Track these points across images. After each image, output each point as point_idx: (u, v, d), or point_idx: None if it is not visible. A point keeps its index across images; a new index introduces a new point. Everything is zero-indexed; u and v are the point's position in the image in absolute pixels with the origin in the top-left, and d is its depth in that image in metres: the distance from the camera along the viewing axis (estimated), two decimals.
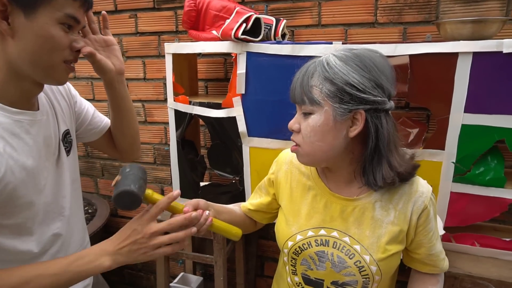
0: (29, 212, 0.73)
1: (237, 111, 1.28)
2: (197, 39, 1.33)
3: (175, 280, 1.65)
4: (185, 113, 1.37)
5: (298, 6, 1.44)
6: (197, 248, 1.76)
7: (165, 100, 1.64)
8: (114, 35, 1.73)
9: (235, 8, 1.26)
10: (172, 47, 1.35)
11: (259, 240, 1.72)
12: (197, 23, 1.34)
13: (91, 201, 1.92)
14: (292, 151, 0.81)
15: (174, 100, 1.38)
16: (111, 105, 0.91)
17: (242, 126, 1.28)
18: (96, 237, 1.68)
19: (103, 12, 0.88)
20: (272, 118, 1.25)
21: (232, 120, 1.29)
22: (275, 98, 1.23)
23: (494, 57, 0.99)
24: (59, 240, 0.82)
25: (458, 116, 1.05)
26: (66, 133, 0.85)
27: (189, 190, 1.47)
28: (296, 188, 0.89)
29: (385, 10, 1.35)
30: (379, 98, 0.72)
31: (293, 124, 0.80)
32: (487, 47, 0.99)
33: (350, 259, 0.79)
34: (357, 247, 0.78)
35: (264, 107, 1.25)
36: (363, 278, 0.79)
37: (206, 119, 1.35)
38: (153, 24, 1.68)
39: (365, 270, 0.78)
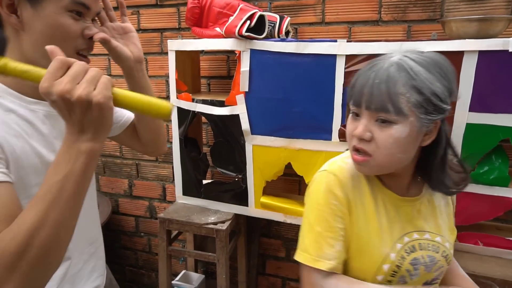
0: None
1: (240, 109, 1.27)
2: (201, 36, 1.32)
3: (177, 278, 1.65)
4: (188, 111, 1.36)
5: (301, 4, 1.43)
6: (199, 246, 1.76)
7: (168, 97, 1.63)
8: None
9: (239, 5, 1.26)
10: (175, 44, 1.34)
11: (261, 238, 1.72)
12: (200, 20, 1.34)
13: None
14: (358, 161, 0.71)
15: (177, 98, 1.38)
16: None
17: (245, 124, 1.28)
18: None
19: None
20: (275, 116, 1.24)
21: (235, 117, 1.29)
22: (278, 96, 1.22)
23: (500, 56, 0.99)
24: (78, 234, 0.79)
25: (463, 115, 1.05)
26: None
27: (191, 188, 1.46)
28: (368, 203, 0.76)
29: (389, 8, 1.34)
30: (449, 106, 0.69)
31: (363, 132, 0.69)
32: (493, 46, 0.99)
33: (437, 253, 0.76)
34: (438, 238, 0.77)
35: (267, 105, 1.24)
36: (447, 265, 0.79)
37: (209, 116, 1.35)
38: (156, 20, 1.67)
39: (448, 256, 0.77)
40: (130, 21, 1.68)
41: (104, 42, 0.74)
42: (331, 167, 0.78)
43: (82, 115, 0.53)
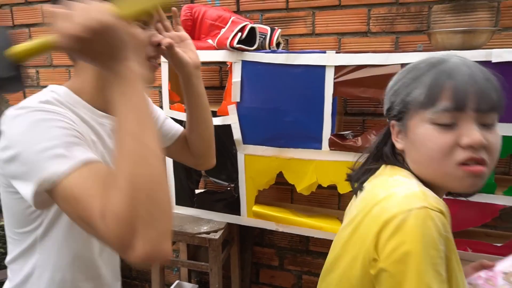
0: None
1: (232, 119, 1.29)
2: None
3: None
4: (181, 121, 1.37)
5: (292, 16, 1.46)
6: (192, 255, 1.76)
7: (161, 108, 1.65)
8: None
9: (230, 18, 1.28)
10: None
11: (254, 247, 1.73)
12: (193, 32, 1.36)
13: None
14: (476, 172, 0.58)
15: (170, 108, 1.39)
16: (188, 103, 0.88)
17: (237, 134, 1.29)
18: None
19: (173, 8, 0.86)
20: (266, 126, 1.26)
21: (227, 127, 1.30)
22: (269, 106, 1.24)
23: (484, 67, 1.01)
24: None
25: None
26: None
27: (184, 198, 1.47)
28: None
29: (377, 20, 1.38)
30: None
31: (481, 138, 0.57)
32: (477, 57, 1.01)
33: None
34: None
35: (259, 115, 1.26)
36: None
37: None
38: None
39: None
40: None
41: (169, 48, 0.76)
42: (429, 201, 0.56)
43: (91, 45, 0.52)
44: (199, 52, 1.29)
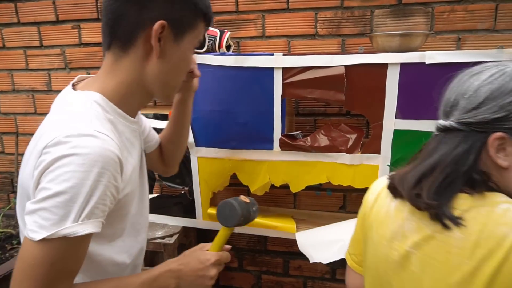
0: (122, 223, 0.73)
1: None
2: None
3: None
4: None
5: (242, 18, 1.48)
6: (149, 262, 1.73)
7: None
8: (56, 46, 1.68)
9: None
10: None
11: None
12: None
13: None
14: None
15: None
16: (176, 120, 0.96)
17: (189, 137, 1.29)
18: None
19: None
20: (218, 128, 1.26)
21: None
22: (221, 108, 1.25)
23: (419, 68, 1.08)
24: (143, 252, 0.84)
25: (390, 122, 1.13)
26: (142, 143, 0.88)
27: None
28: None
29: (324, 23, 1.42)
30: None
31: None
32: (412, 59, 1.08)
33: None
34: None
35: (210, 117, 1.26)
36: None
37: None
38: (98, 35, 1.64)
39: None
40: (71, 35, 1.66)
41: (195, 77, 0.88)
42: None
43: (199, 285, 0.73)
44: None
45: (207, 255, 0.74)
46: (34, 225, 0.56)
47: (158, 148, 1.00)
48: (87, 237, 0.59)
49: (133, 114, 0.74)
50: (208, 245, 0.79)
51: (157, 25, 0.64)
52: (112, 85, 0.68)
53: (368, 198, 0.74)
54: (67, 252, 0.57)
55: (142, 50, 0.67)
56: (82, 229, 0.57)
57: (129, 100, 0.71)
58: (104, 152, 0.58)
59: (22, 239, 0.67)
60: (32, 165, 0.60)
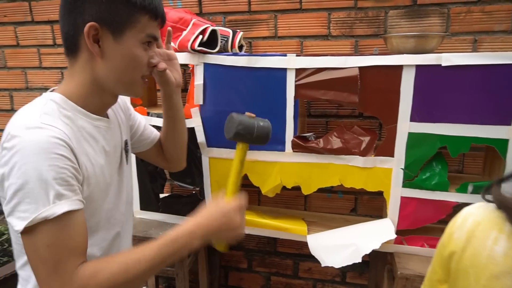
0: (95, 217, 0.76)
1: (195, 122, 1.28)
2: None
3: None
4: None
5: (255, 18, 1.47)
6: None
7: None
8: None
9: (191, 20, 1.27)
10: None
11: None
12: None
13: None
14: None
15: None
16: (166, 115, 0.98)
17: (201, 137, 1.29)
18: None
19: (169, 28, 0.94)
20: None
21: (191, 130, 1.29)
22: (233, 108, 1.22)
23: (435, 70, 1.06)
24: (117, 243, 0.85)
25: (405, 125, 1.12)
26: (126, 143, 0.90)
27: (149, 203, 1.44)
28: None
29: (337, 24, 1.41)
30: None
31: None
32: (428, 60, 1.06)
33: None
34: None
35: (222, 118, 1.24)
36: None
37: None
38: None
39: None
40: None
41: (161, 71, 0.85)
42: None
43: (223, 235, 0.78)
44: None
45: (226, 205, 0.77)
46: (16, 221, 0.62)
47: (157, 145, 1.03)
48: (72, 215, 0.64)
49: (98, 112, 0.77)
50: (221, 197, 0.82)
51: (87, 27, 0.67)
52: (71, 86, 0.73)
53: (455, 235, 0.64)
54: (57, 232, 0.62)
55: (86, 53, 0.71)
56: (58, 209, 0.61)
57: (89, 99, 0.74)
58: (49, 139, 0.63)
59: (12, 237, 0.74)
60: None
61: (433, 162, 1.16)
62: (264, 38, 1.48)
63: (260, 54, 1.22)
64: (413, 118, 1.11)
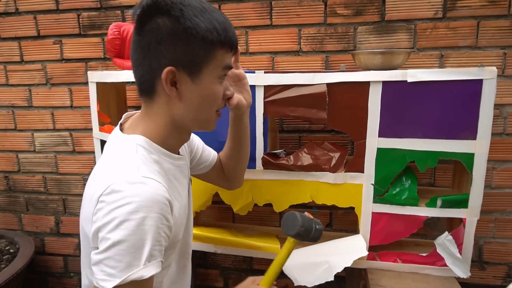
0: (172, 252, 0.78)
1: None
2: (122, 68, 1.30)
3: None
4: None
5: None
6: None
7: (91, 129, 1.57)
8: (37, 61, 1.65)
9: None
10: (95, 76, 1.31)
11: (198, 269, 1.68)
12: (122, 51, 1.32)
13: (13, 240, 1.76)
14: None
15: (99, 130, 1.33)
16: (234, 135, 0.98)
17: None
18: (18, 279, 1.54)
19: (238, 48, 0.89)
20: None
21: None
22: None
23: (401, 86, 1.07)
24: (187, 275, 0.89)
25: (374, 140, 1.12)
26: (189, 171, 0.90)
27: None
28: None
29: (308, 40, 1.42)
30: None
31: None
32: (394, 77, 1.07)
33: None
34: None
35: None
36: None
37: None
38: (80, 50, 1.62)
39: None
40: (52, 50, 1.63)
41: (230, 104, 0.84)
42: None
43: None
44: (126, 72, 1.26)
45: None
46: (102, 274, 0.61)
47: (217, 165, 1.02)
48: (152, 278, 0.64)
49: (176, 151, 0.78)
50: (259, 279, 0.84)
51: (164, 73, 0.66)
52: (151, 127, 0.72)
53: None
54: None
55: (164, 96, 0.70)
56: (146, 272, 0.62)
57: (169, 139, 0.74)
58: (154, 197, 0.62)
59: (83, 280, 0.77)
60: (90, 210, 0.66)
61: (403, 177, 1.17)
62: None
63: None
64: (381, 134, 1.11)
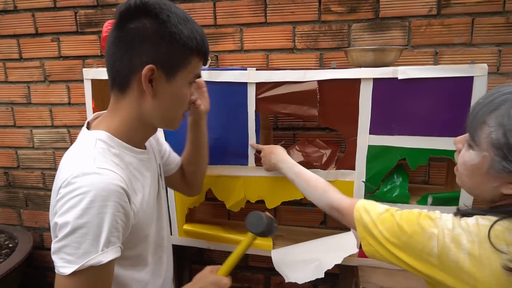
0: (145, 244, 0.81)
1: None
2: None
3: None
4: None
5: (220, 32, 1.47)
6: None
7: None
8: (35, 58, 1.67)
9: None
10: (91, 73, 1.32)
11: (193, 265, 1.69)
12: None
13: (12, 235, 1.79)
14: (455, 170, 0.77)
15: None
16: (192, 141, 1.03)
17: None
18: (16, 273, 1.56)
19: None
20: None
21: None
22: None
23: (392, 83, 1.07)
24: (163, 267, 0.91)
25: (365, 138, 1.12)
26: (160, 168, 0.94)
27: None
28: None
29: (302, 37, 1.42)
30: None
31: (458, 141, 0.75)
32: (385, 74, 1.07)
33: None
34: None
35: (184, 132, 1.24)
36: None
37: None
38: (77, 48, 1.63)
39: None
40: (50, 48, 1.64)
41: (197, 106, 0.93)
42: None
43: None
44: None
45: (220, 280, 0.88)
46: (61, 261, 0.63)
47: (180, 170, 1.05)
48: (111, 263, 0.67)
49: (140, 145, 0.81)
50: (216, 268, 0.92)
51: (145, 69, 0.70)
52: (116, 123, 0.75)
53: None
54: (96, 279, 0.65)
55: (137, 91, 0.74)
56: (104, 257, 0.64)
57: (133, 134, 0.77)
58: (108, 186, 0.65)
59: None
60: (52, 204, 0.70)
61: (394, 175, 1.17)
62: (230, 51, 1.48)
63: (221, 68, 1.21)
64: (372, 131, 1.11)
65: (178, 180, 1.07)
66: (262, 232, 0.96)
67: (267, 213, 0.99)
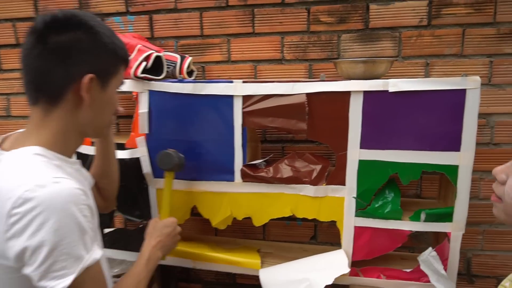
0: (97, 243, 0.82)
1: (141, 152, 1.21)
2: None
3: None
4: (86, 155, 1.27)
5: (207, 43, 1.43)
6: None
7: None
8: (15, 70, 1.61)
9: (136, 46, 1.22)
10: None
11: (179, 283, 1.63)
12: None
13: None
14: (492, 200, 0.70)
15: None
16: (102, 152, 1.01)
17: (146, 168, 1.22)
18: None
19: None
20: None
21: (137, 161, 1.22)
22: (180, 137, 1.18)
23: (383, 96, 1.04)
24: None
25: (355, 152, 1.08)
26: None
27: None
28: None
29: (291, 48, 1.38)
30: None
31: (500, 171, 0.67)
32: (375, 86, 1.03)
33: None
34: None
35: (169, 147, 1.19)
36: None
37: None
38: None
39: None
40: None
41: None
42: None
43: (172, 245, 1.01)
44: None
45: (167, 221, 1.02)
46: (54, 280, 0.62)
47: (95, 184, 1.01)
48: (100, 259, 0.70)
49: (71, 155, 0.81)
50: (157, 217, 1.06)
51: (86, 78, 0.71)
52: (47, 136, 0.73)
53: None
54: (95, 278, 0.68)
55: (72, 101, 0.73)
56: (96, 254, 0.68)
57: (68, 145, 0.77)
58: (71, 191, 0.65)
59: None
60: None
61: (386, 190, 1.13)
62: (217, 62, 1.44)
63: (206, 80, 1.17)
64: (363, 145, 1.07)
65: (97, 193, 1.02)
66: (176, 165, 1.08)
67: (172, 150, 1.10)
